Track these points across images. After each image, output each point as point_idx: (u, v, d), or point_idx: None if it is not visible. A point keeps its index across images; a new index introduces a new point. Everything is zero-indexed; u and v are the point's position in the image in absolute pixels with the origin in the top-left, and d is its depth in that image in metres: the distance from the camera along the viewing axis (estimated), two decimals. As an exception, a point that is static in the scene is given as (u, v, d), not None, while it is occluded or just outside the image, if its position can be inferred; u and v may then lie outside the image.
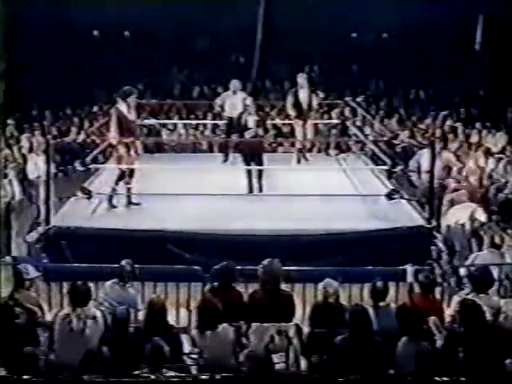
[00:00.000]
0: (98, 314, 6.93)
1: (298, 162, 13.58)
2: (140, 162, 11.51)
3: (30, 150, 13.92)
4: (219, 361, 6.49)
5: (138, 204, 11.09)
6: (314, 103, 13.55)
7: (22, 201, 11.76)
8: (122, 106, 10.95)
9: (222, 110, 14.04)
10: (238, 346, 6.74)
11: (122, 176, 11.09)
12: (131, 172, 11.14)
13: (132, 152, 11.05)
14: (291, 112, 13.57)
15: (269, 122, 15.34)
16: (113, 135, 11.03)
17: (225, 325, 6.82)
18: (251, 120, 12.24)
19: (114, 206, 11.04)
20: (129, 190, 11.14)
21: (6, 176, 12.25)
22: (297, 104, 13.44)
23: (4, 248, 10.63)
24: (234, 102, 13.75)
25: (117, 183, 11.13)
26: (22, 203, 11.70)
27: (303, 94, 13.46)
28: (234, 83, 13.99)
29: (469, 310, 6.50)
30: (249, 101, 13.23)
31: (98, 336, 6.75)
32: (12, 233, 11.03)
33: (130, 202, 11.14)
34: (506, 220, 10.71)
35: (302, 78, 13.58)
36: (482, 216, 10.50)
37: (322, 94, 14.01)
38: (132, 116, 11.03)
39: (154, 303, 6.90)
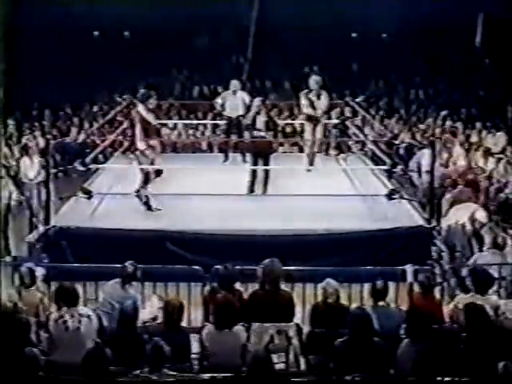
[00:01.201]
0: (91, 313, 6.89)
1: (311, 164, 13.06)
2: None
3: (29, 150, 13.90)
4: (226, 360, 6.46)
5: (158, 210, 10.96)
6: (326, 105, 13.12)
7: (20, 201, 11.75)
8: (141, 109, 10.85)
9: (222, 110, 13.99)
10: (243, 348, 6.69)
11: (147, 178, 10.99)
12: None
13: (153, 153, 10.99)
14: (308, 113, 13.04)
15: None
16: (138, 139, 10.87)
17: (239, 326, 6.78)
18: (260, 121, 12.04)
19: (152, 209, 10.91)
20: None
21: (15, 177, 12.26)
22: (311, 106, 13.08)
23: (4, 248, 10.67)
24: (234, 101, 13.72)
25: (146, 186, 11.01)
26: (20, 204, 11.69)
27: (315, 97, 13.26)
28: (234, 83, 13.95)
29: (474, 314, 6.47)
30: (257, 101, 12.83)
31: (91, 336, 6.70)
32: (11, 233, 11.05)
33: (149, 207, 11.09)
34: (506, 220, 10.72)
35: (314, 81, 13.27)
36: (482, 216, 10.48)
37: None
38: (150, 119, 10.93)
39: (170, 304, 6.85)
